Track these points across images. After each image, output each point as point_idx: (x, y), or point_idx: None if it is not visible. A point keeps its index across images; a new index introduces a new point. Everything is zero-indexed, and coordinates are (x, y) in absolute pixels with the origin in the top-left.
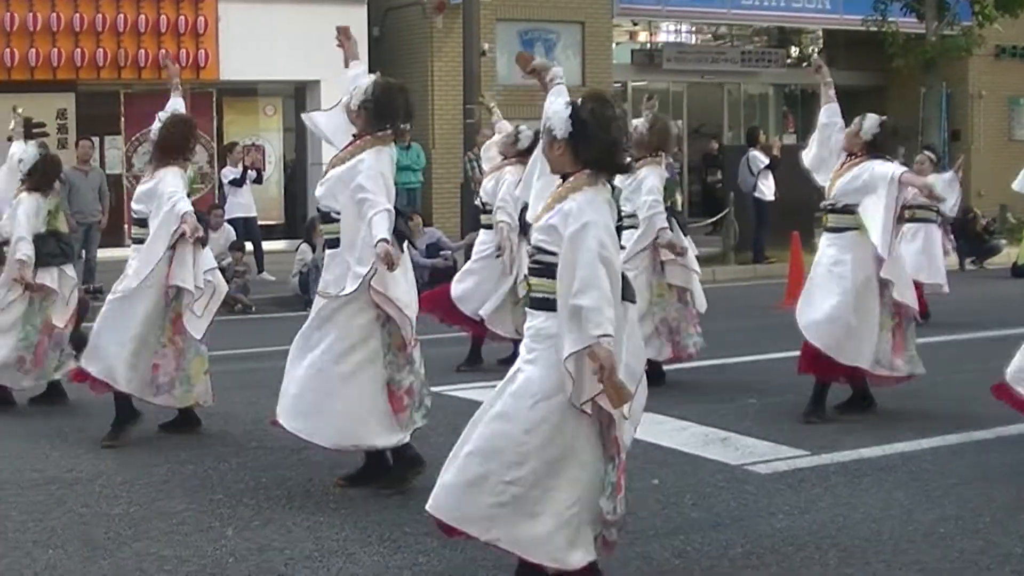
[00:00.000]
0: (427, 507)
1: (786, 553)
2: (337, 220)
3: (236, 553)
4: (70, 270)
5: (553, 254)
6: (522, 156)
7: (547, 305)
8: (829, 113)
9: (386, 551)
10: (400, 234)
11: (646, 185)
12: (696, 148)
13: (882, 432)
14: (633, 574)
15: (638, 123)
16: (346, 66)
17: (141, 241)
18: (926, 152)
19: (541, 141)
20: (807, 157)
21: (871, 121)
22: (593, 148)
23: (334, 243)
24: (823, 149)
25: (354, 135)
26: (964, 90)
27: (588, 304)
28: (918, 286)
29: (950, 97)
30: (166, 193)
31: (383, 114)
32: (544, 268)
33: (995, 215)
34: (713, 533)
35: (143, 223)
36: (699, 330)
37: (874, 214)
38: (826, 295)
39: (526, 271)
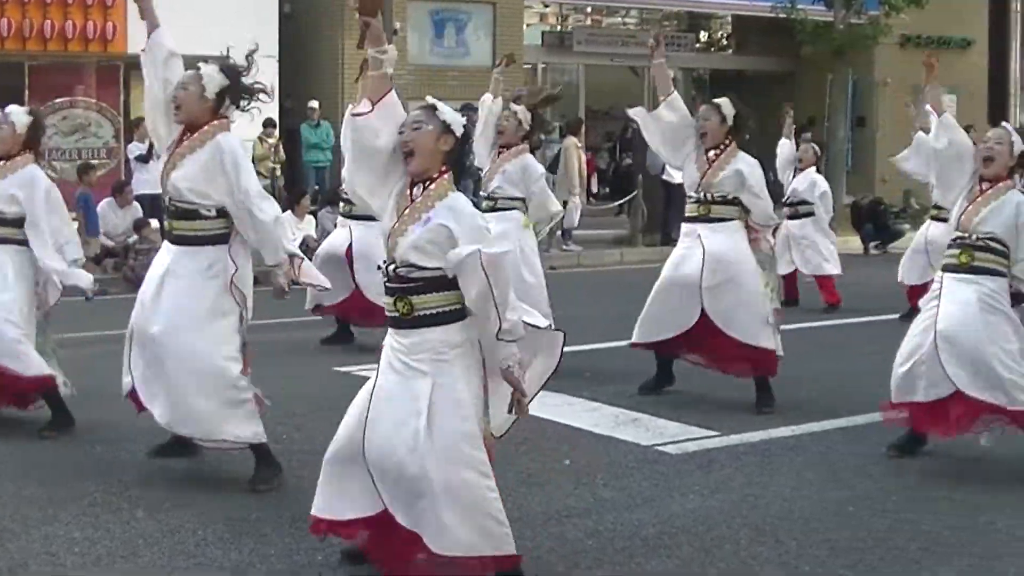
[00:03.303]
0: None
1: (698, 533)
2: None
3: (146, 535)
4: None
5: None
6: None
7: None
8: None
9: (298, 532)
10: None
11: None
12: (607, 131)
13: (791, 413)
14: (546, 555)
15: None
16: None
17: None
18: (812, 144)
19: None
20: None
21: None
22: None
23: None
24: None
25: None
26: (870, 78)
27: None
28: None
29: (856, 85)
30: None
31: None
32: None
33: (900, 201)
34: (626, 513)
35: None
36: None
37: None
38: None
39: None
